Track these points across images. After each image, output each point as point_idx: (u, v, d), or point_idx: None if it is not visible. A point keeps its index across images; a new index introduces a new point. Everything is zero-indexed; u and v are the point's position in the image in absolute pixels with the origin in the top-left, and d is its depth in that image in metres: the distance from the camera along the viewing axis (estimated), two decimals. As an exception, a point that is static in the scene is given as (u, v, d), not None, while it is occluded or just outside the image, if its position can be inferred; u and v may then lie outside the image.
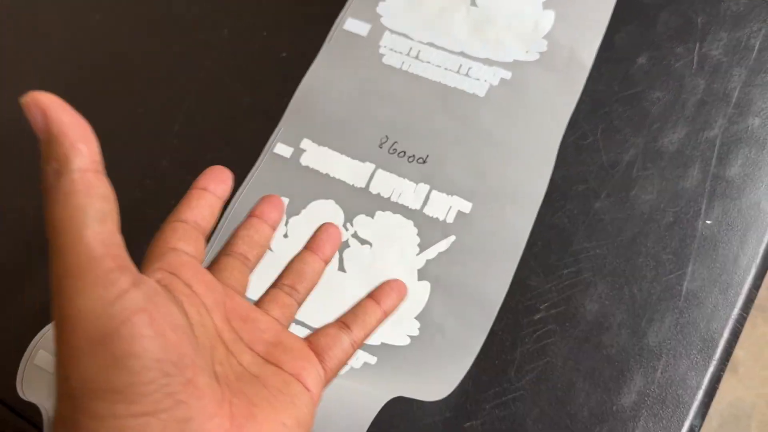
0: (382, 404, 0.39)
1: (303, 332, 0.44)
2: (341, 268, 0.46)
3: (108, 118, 0.52)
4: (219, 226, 0.48)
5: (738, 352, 1.05)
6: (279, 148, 0.50)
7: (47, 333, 0.40)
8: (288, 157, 0.50)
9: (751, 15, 0.50)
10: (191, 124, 0.51)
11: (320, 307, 0.40)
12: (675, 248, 0.44)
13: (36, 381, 0.39)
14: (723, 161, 0.46)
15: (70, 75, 0.54)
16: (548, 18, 0.52)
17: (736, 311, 0.43)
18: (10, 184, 0.51)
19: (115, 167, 0.49)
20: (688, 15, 0.51)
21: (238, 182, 0.49)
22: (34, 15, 0.57)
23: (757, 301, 1.09)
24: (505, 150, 0.48)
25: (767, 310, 1.08)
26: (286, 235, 0.47)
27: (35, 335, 0.40)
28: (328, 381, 0.30)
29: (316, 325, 0.40)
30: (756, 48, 0.49)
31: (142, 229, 0.48)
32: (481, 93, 0.50)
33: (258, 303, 0.33)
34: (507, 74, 0.51)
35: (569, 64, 0.50)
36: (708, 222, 0.45)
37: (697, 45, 0.50)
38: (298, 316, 0.44)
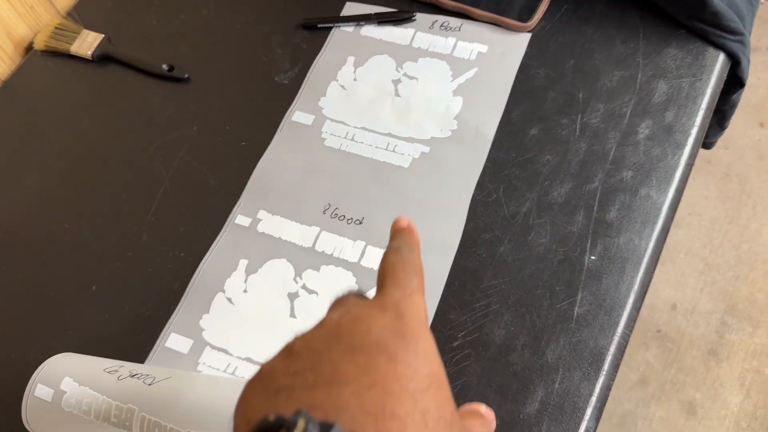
0: None
1: (252, 368, 0.52)
2: (292, 315, 0.55)
3: (96, 202, 0.62)
4: (188, 286, 0.57)
5: (695, 394, 1.11)
6: (239, 219, 0.60)
7: (44, 368, 0.49)
8: (247, 226, 0.59)
9: (623, 89, 0.61)
10: (167, 203, 0.61)
11: (271, 347, 0.48)
12: (566, 280, 0.53)
13: (37, 412, 0.47)
14: (603, 207, 0.56)
15: (65, 169, 0.64)
16: (457, 103, 0.63)
17: (620, 329, 0.51)
18: (11, 261, 0.60)
19: (100, 242, 0.59)
20: (572, 92, 0.62)
21: (205, 248, 0.58)
22: (34, 122, 0.68)
23: (708, 346, 1.17)
24: (426, 209, 0.58)
25: (719, 354, 1.15)
26: (245, 291, 0.56)
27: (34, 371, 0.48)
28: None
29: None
30: (627, 115, 0.60)
31: (125, 293, 0.57)
32: (406, 165, 0.61)
33: None
34: (426, 149, 0.61)
35: (475, 139, 0.61)
36: (593, 257, 0.54)
37: (579, 116, 0.61)
38: (248, 353, 0.52)
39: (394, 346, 0.25)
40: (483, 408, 0.33)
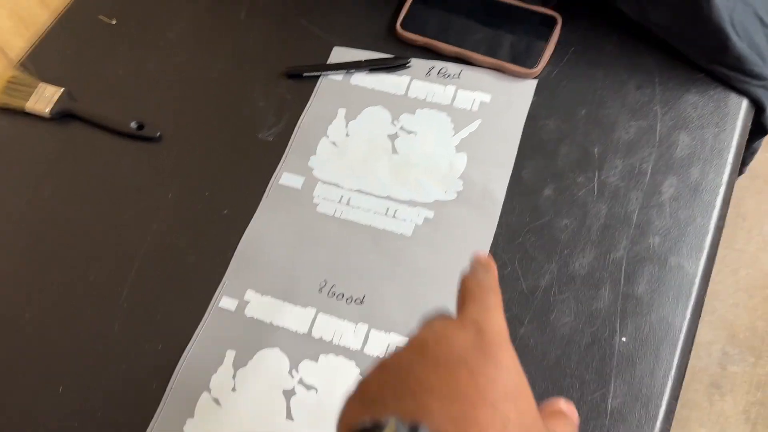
0: None
1: None
2: (289, 416, 0.48)
3: (60, 285, 0.55)
4: (168, 385, 0.50)
5: (700, 430, 1.07)
6: (224, 302, 0.53)
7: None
8: (233, 310, 0.53)
9: (641, 142, 0.56)
10: (140, 285, 0.54)
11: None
12: (596, 367, 0.48)
13: None
14: (630, 280, 0.51)
15: (23, 247, 0.57)
16: (461, 160, 0.57)
17: (658, 424, 0.46)
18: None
19: (66, 334, 0.52)
20: (586, 146, 0.57)
21: (186, 339, 0.52)
22: (-12, 193, 0.60)
23: (711, 378, 1.13)
24: (435, 285, 0.52)
25: (722, 386, 1.11)
26: (234, 389, 0.49)
27: None
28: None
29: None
30: (649, 172, 0.55)
31: (96, 395, 0.50)
32: (408, 233, 0.55)
33: None
34: (430, 214, 0.55)
35: (484, 200, 0.55)
36: (623, 339, 0.49)
37: (596, 173, 0.55)
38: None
39: (474, 360, 0.28)
40: (563, 404, 0.34)
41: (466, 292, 0.33)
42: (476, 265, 0.34)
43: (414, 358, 0.29)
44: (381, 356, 0.30)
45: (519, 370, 0.29)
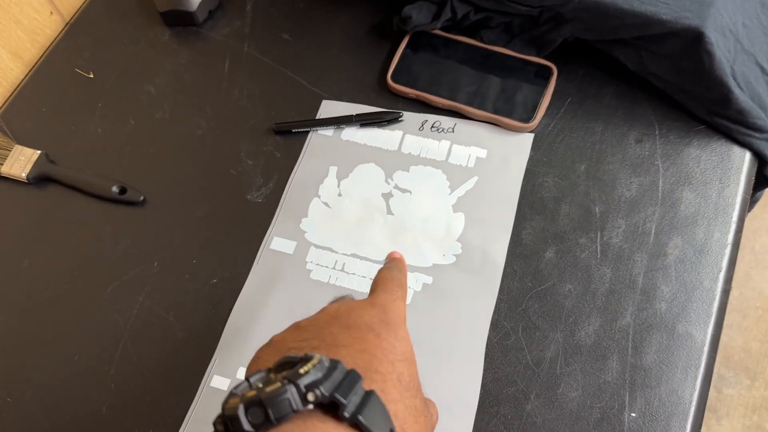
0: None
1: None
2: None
3: (43, 366, 0.52)
4: (161, 475, 0.47)
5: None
6: (215, 380, 0.51)
7: None
8: (224, 389, 0.50)
9: (644, 200, 0.55)
10: (128, 364, 0.52)
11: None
12: (606, 446, 0.46)
13: None
14: (638, 349, 0.49)
15: (1, 328, 0.54)
16: (459, 220, 0.55)
17: (672, 505, 0.44)
18: None
19: (51, 421, 0.49)
20: (587, 204, 0.55)
21: (179, 420, 0.49)
22: (-37, 266, 0.57)
23: (709, 402, 1.12)
24: (435, 357, 0.50)
25: (719, 410, 1.10)
26: None
27: None
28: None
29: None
30: (652, 232, 0.53)
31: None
32: (407, 300, 0.53)
33: None
34: (428, 279, 0.53)
35: (484, 265, 0.53)
36: (633, 415, 0.47)
37: (599, 234, 0.54)
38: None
39: (380, 328, 0.33)
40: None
41: (378, 282, 0.39)
42: (390, 261, 0.43)
43: (328, 321, 0.34)
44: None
45: (411, 346, 0.34)
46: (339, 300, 0.37)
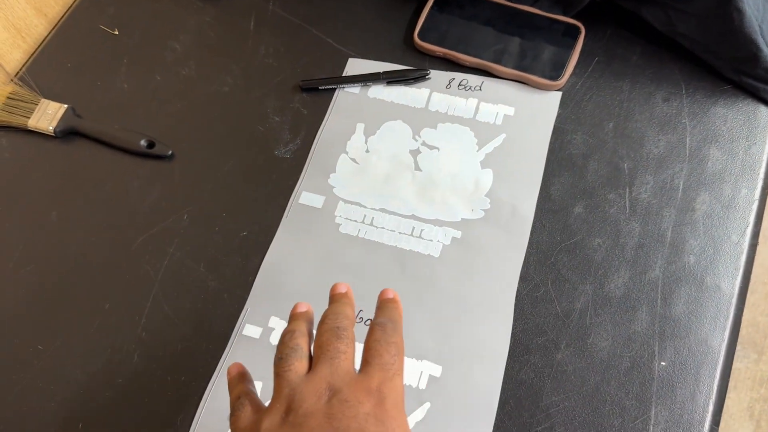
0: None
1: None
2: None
3: (73, 316, 0.52)
4: (194, 421, 0.48)
5: None
6: (248, 329, 0.51)
7: None
8: (257, 337, 0.51)
9: (672, 157, 0.55)
10: (159, 313, 0.52)
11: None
12: (636, 393, 0.47)
13: None
14: (667, 301, 0.50)
15: (30, 276, 0.54)
16: (487, 176, 0.56)
17: (701, 450, 0.45)
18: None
19: (83, 367, 0.50)
20: (615, 161, 0.55)
21: (211, 368, 0.50)
22: (-8, 218, 0.57)
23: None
24: (466, 308, 0.51)
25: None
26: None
27: None
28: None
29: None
30: (680, 188, 0.54)
31: (118, 430, 0.48)
32: (436, 253, 0.53)
33: None
34: (457, 233, 0.54)
35: (513, 219, 0.54)
36: (663, 363, 0.47)
37: (627, 189, 0.54)
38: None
39: (376, 428, 0.32)
40: None
41: (373, 349, 0.35)
42: (385, 310, 0.39)
43: (322, 423, 0.32)
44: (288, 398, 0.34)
45: (408, 426, 0.34)
46: (330, 390, 0.34)
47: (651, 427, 0.46)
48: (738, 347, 1.13)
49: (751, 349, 1.14)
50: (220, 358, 0.50)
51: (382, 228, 0.55)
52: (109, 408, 0.49)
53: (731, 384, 1.11)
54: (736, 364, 1.13)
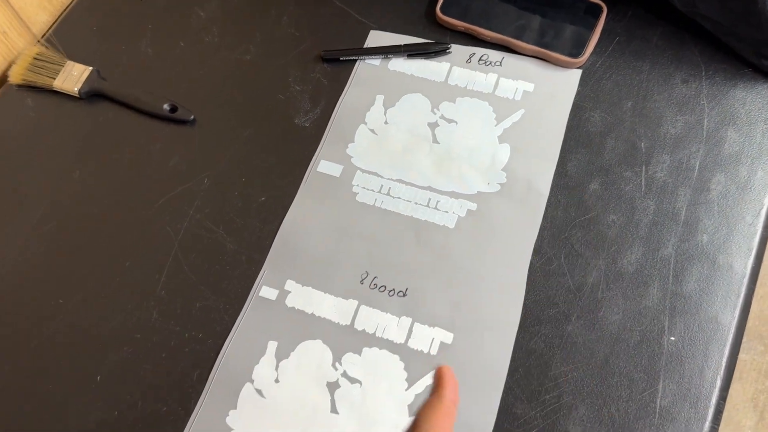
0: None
1: None
2: (333, 410, 0.48)
3: (93, 273, 0.53)
4: (211, 375, 0.49)
5: (711, 421, 1.08)
6: (264, 291, 0.52)
7: None
8: (273, 299, 0.52)
9: (689, 137, 0.55)
10: (178, 273, 0.53)
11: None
12: (645, 366, 0.47)
13: None
14: (679, 278, 0.50)
15: (53, 233, 0.55)
16: (504, 151, 0.56)
17: (707, 424, 0.46)
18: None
19: (102, 322, 0.51)
20: (632, 140, 0.56)
21: (226, 328, 0.51)
22: (11, 173, 0.58)
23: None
24: (479, 279, 0.52)
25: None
26: (277, 380, 0.49)
27: None
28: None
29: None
30: (696, 168, 0.54)
31: (136, 385, 0.49)
32: (451, 225, 0.54)
33: None
34: (473, 206, 0.54)
35: (528, 193, 0.54)
36: (672, 338, 0.48)
37: (644, 168, 0.54)
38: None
39: None
40: None
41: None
42: (447, 385, 0.47)
43: None
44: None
45: None
46: None
47: (658, 399, 0.46)
48: (744, 339, 1.13)
49: (757, 342, 1.14)
50: (237, 318, 0.51)
51: (399, 198, 0.55)
52: (127, 362, 0.50)
53: (736, 375, 1.12)
54: (741, 356, 1.13)
